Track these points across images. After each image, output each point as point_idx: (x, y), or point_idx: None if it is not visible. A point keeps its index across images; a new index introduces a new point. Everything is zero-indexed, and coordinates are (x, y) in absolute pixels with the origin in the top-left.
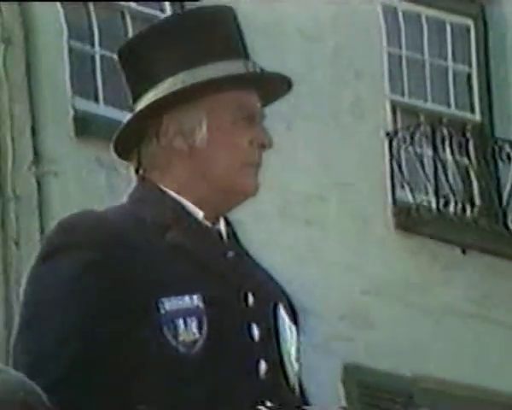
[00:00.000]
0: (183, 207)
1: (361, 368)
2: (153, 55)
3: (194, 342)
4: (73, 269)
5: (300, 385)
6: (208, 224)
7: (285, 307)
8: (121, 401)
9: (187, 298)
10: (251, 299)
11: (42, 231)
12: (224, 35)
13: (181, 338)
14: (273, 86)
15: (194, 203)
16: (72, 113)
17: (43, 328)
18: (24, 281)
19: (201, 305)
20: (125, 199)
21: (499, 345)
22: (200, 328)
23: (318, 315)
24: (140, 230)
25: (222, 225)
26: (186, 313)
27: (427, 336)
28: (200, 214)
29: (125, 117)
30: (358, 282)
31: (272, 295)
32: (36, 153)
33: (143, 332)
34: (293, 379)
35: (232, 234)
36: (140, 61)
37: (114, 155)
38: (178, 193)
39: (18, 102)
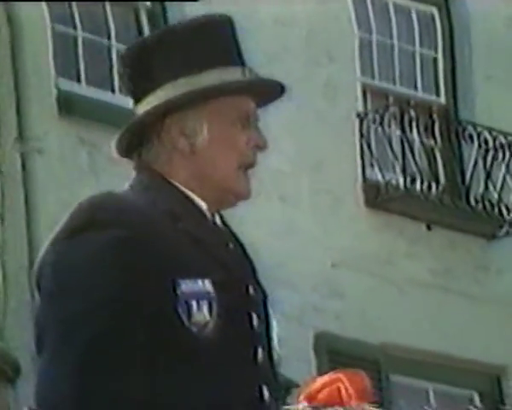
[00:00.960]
0: (189, 199)
1: (331, 336)
2: (154, 61)
3: (206, 324)
4: (105, 244)
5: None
6: (210, 217)
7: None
8: (143, 372)
9: (200, 282)
10: (251, 289)
11: (26, 204)
12: (223, 43)
13: (194, 319)
14: (267, 90)
15: (197, 195)
16: (55, 93)
17: (76, 296)
18: (10, 254)
19: (211, 290)
20: (127, 185)
21: (460, 314)
22: (210, 311)
23: (292, 287)
24: (156, 215)
25: (217, 219)
26: (199, 296)
27: (393, 306)
28: (204, 207)
29: (106, 97)
30: (329, 255)
31: (257, 283)
32: (20, 131)
33: (163, 309)
34: (276, 365)
35: (226, 227)
36: (142, 65)
37: (116, 155)
38: (184, 186)
39: (3, 83)
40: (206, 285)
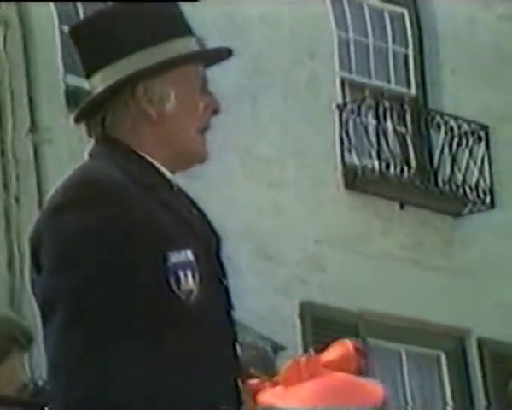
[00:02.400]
0: (158, 170)
1: (315, 305)
2: (116, 32)
3: (191, 291)
4: (97, 220)
5: None
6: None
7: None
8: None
9: (183, 253)
10: (217, 254)
11: (39, 189)
12: (178, 15)
13: (182, 288)
14: (220, 56)
15: (160, 164)
16: (63, 87)
17: (76, 270)
18: (24, 232)
19: (193, 260)
20: (86, 153)
21: (429, 284)
22: (194, 279)
23: (279, 261)
24: (137, 189)
25: (175, 184)
26: (185, 266)
27: (370, 278)
28: (169, 175)
29: None
30: (313, 233)
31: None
32: (32, 122)
33: (154, 281)
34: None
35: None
36: (101, 36)
37: (72, 120)
38: (148, 155)
39: (17, 78)
40: (189, 255)
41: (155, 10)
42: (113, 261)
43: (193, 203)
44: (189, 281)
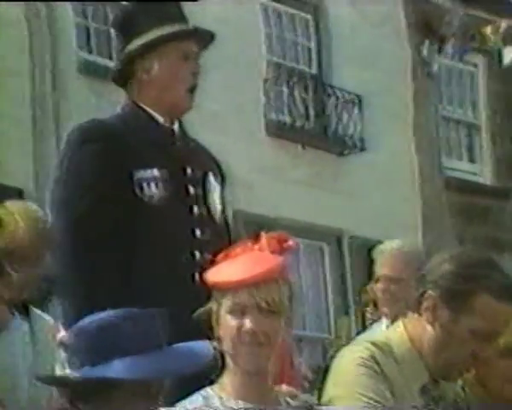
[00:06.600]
0: (150, 116)
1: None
2: (130, 22)
3: (153, 195)
4: (85, 154)
5: (225, 220)
6: (167, 125)
7: (215, 173)
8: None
9: (148, 170)
10: (189, 170)
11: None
12: (175, 8)
13: (145, 193)
14: (203, 37)
15: (156, 112)
16: (76, 59)
17: (65, 187)
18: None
19: (157, 174)
20: (118, 109)
21: (320, 200)
22: (157, 188)
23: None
24: (128, 130)
25: (176, 126)
26: (149, 179)
27: (282, 194)
28: (160, 119)
29: (107, 63)
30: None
31: (205, 166)
32: (54, 83)
33: (125, 193)
34: (218, 217)
35: (182, 131)
36: (123, 25)
37: (112, 84)
38: (148, 106)
39: (43, 52)
40: (154, 172)
41: (155, 6)
42: (92, 181)
43: (188, 141)
44: (152, 189)
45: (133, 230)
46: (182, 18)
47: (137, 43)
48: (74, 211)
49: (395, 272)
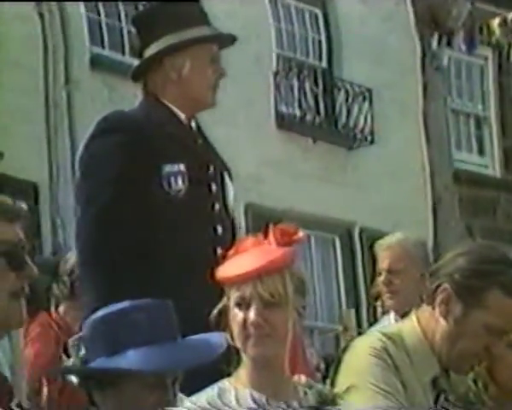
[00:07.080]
0: (172, 112)
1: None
2: (156, 21)
3: (180, 190)
4: (111, 145)
5: (233, 218)
6: (187, 121)
7: (229, 172)
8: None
9: (176, 165)
10: (211, 168)
11: (70, 126)
12: (199, 10)
13: (172, 188)
14: (226, 40)
15: (178, 108)
16: (88, 53)
17: (92, 179)
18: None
19: (184, 169)
20: (137, 103)
21: (331, 193)
22: (183, 183)
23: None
24: (151, 124)
25: (193, 123)
26: (176, 174)
27: (293, 188)
28: (182, 116)
29: (121, 57)
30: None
31: (222, 166)
32: (67, 77)
33: (152, 186)
34: (231, 213)
35: (199, 128)
36: (147, 23)
37: (130, 80)
38: (170, 102)
39: (56, 48)
40: (181, 167)
41: (180, 7)
42: (118, 171)
43: (205, 138)
44: (178, 183)
45: (158, 223)
46: (208, 20)
47: (169, 41)
48: (101, 200)
49: (394, 265)
